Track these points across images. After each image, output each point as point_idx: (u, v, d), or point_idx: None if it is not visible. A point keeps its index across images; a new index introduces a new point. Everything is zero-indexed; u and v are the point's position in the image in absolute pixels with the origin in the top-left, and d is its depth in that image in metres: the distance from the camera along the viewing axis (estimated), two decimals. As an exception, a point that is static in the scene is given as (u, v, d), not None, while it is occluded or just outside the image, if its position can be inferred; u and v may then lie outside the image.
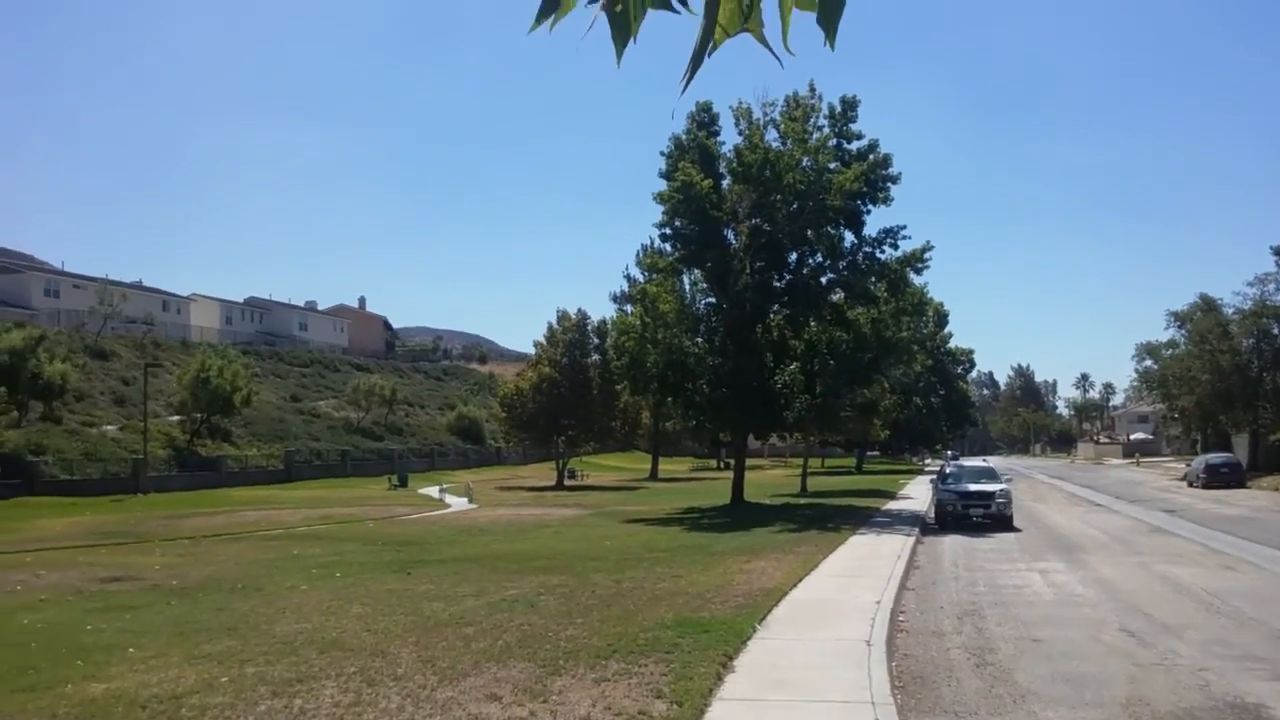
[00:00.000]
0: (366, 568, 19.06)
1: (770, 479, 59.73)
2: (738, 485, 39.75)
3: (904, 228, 36.58)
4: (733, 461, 45.44)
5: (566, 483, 61.67)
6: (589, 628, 11.95)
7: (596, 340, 64.07)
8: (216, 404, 59.33)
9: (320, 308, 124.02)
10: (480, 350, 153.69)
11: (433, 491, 51.18)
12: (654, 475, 72.24)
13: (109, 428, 58.39)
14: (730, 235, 37.97)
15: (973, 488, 29.27)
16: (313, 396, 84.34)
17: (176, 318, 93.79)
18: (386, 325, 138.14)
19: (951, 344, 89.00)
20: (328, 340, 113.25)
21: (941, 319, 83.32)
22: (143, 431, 54.58)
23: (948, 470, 33.92)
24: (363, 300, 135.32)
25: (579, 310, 64.47)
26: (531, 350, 69.89)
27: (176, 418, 62.42)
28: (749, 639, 11.22)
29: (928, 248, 36.46)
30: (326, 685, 9.26)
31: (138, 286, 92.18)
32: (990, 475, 31.21)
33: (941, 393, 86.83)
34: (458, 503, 43.46)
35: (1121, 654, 11.23)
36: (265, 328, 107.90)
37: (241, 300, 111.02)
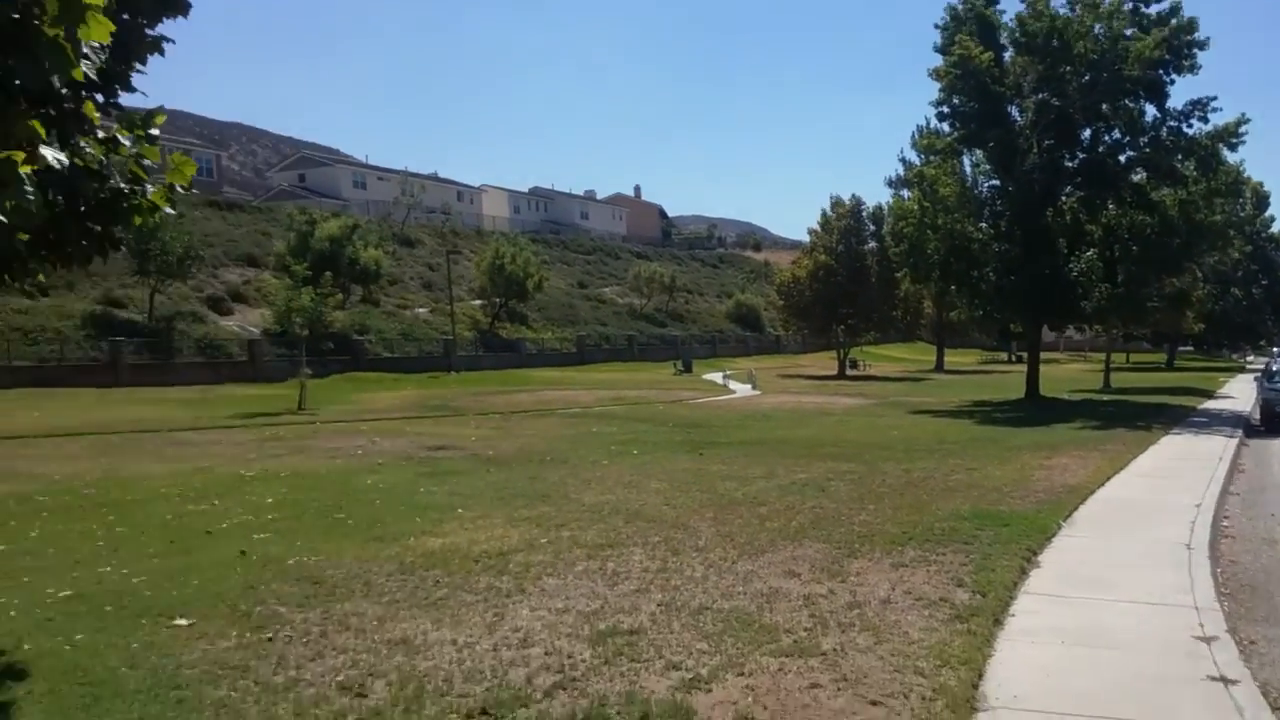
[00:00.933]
0: (660, 447, 19.89)
1: (1067, 373, 56.66)
2: (1032, 379, 37.93)
3: (1214, 99, 32.59)
4: (1025, 355, 43.38)
5: (848, 372, 61.21)
6: (881, 514, 11.98)
7: (873, 227, 62.31)
8: (512, 289, 63.03)
9: (598, 197, 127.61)
10: (754, 238, 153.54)
11: (716, 377, 52.26)
12: (939, 367, 70.25)
13: (420, 310, 63.47)
14: (1014, 112, 35.39)
15: (1306, 386, 26.48)
16: (597, 283, 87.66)
17: (469, 207, 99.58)
18: (662, 213, 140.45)
19: (1275, 229, 79.77)
20: (607, 229, 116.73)
21: (1261, 201, 74.44)
22: (450, 314, 58.99)
23: (1274, 368, 30.78)
24: (638, 189, 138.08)
25: (853, 196, 62.81)
26: (805, 238, 68.97)
27: (478, 302, 66.90)
28: (1053, 535, 10.87)
29: (1243, 121, 32.45)
30: (634, 551, 9.86)
31: (434, 178, 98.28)
32: (1328, 373, 28.05)
33: (1264, 283, 78.45)
34: (741, 389, 44.21)
35: None
36: (549, 216, 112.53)
37: (526, 190, 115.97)
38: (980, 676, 6.39)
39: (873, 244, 61.73)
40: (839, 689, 6.12)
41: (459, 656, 6.62)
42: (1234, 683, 6.30)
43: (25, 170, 4.88)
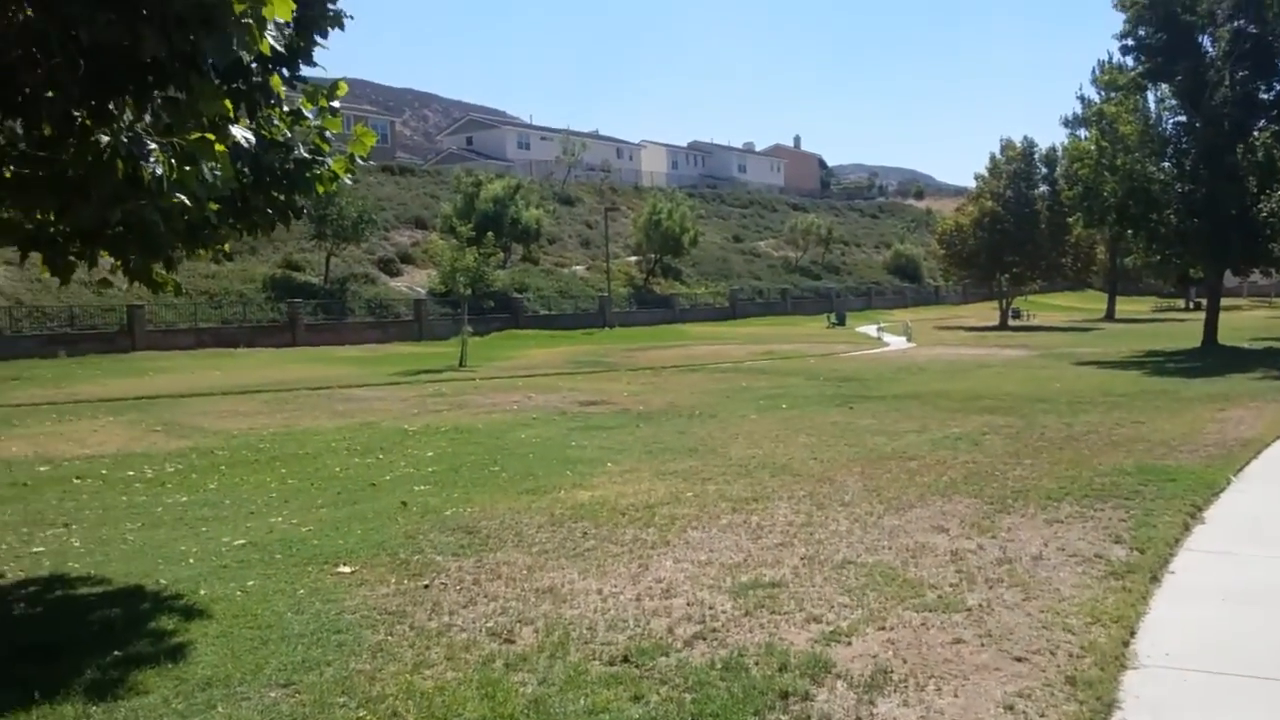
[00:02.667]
0: (810, 401, 19.77)
1: (1250, 321, 53.25)
2: (1210, 326, 35.81)
3: None
4: (1204, 301, 40.93)
5: (1011, 322, 59.14)
6: (1038, 469, 11.64)
7: (1044, 170, 59.58)
8: (667, 245, 63.44)
9: (757, 149, 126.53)
10: (917, 186, 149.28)
11: (870, 330, 51.41)
12: (1110, 316, 67.01)
13: (577, 268, 64.53)
14: (1206, 42, 33.19)
15: None
16: (752, 236, 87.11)
17: (629, 164, 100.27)
18: (821, 163, 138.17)
19: None
20: (765, 180, 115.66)
21: None
22: (605, 271, 59.77)
23: None
24: (798, 139, 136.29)
25: (1025, 138, 60.14)
26: (971, 183, 66.60)
27: (633, 258, 67.61)
28: (1222, 491, 10.35)
29: None
30: (779, 505, 9.90)
31: (595, 136, 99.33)
32: None
33: None
34: (895, 341, 43.39)
35: None
36: (707, 170, 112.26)
37: (685, 145, 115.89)
38: (1133, 634, 6.20)
39: (1044, 188, 59.06)
40: (982, 644, 6.05)
41: (603, 606, 6.82)
42: None
43: (219, 149, 5.26)
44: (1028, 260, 58.64)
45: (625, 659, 5.82)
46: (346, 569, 7.76)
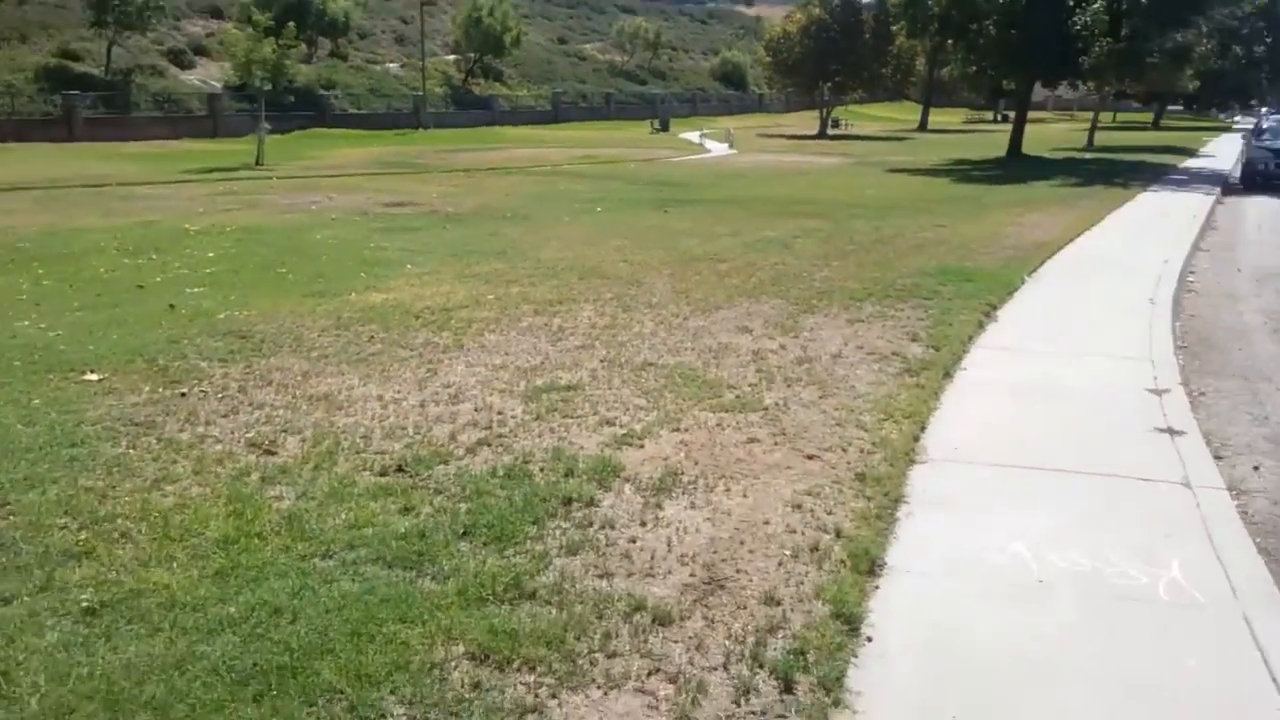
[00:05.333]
0: (627, 205, 19.30)
1: (1053, 133, 55.26)
2: (1016, 137, 36.96)
3: None
4: (1011, 114, 42.09)
5: (830, 131, 59.68)
6: (844, 271, 11.65)
7: (874, -21, 59.25)
8: (488, 44, 60.31)
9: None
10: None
11: (693, 136, 50.87)
12: (923, 126, 68.37)
13: (391, 65, 60.82)
14: None
15: (1294, 145, 25.70)
16: (578, 39, 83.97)
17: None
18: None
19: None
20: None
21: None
22: (421, 70, 56.57)
23: (1264, 125, 29.79)
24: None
25: (857, -55, 59.30)
26: (804, -8, 65.58)
27: (452, 57, 64.19)
28: (1016, 290, 10.59)
29: None
30: (584, 308, 9.51)
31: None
32: (1318, 132, 27.21)
33: (1268, 40, 75.13)
34: (717, 148, 43.07)
35: None
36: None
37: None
38: (923, 429, 6.20)
39: (872, -1, 58.84)
40: (776, 444, 5.90)
41: (382, 413, 6.33)
42: (1181, 434, 6.11)
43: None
44: (850, 70, 58.86)
45: (399, 469, 5.39)
46: (93, 376, 6.94)
